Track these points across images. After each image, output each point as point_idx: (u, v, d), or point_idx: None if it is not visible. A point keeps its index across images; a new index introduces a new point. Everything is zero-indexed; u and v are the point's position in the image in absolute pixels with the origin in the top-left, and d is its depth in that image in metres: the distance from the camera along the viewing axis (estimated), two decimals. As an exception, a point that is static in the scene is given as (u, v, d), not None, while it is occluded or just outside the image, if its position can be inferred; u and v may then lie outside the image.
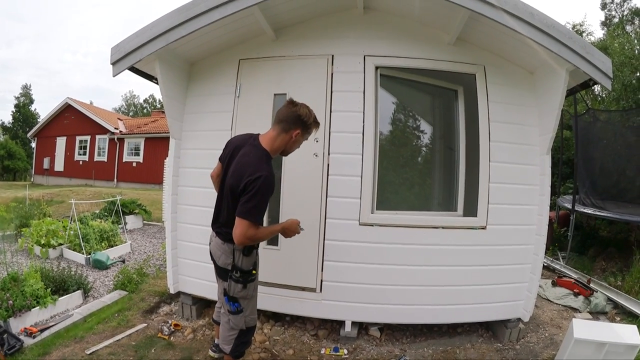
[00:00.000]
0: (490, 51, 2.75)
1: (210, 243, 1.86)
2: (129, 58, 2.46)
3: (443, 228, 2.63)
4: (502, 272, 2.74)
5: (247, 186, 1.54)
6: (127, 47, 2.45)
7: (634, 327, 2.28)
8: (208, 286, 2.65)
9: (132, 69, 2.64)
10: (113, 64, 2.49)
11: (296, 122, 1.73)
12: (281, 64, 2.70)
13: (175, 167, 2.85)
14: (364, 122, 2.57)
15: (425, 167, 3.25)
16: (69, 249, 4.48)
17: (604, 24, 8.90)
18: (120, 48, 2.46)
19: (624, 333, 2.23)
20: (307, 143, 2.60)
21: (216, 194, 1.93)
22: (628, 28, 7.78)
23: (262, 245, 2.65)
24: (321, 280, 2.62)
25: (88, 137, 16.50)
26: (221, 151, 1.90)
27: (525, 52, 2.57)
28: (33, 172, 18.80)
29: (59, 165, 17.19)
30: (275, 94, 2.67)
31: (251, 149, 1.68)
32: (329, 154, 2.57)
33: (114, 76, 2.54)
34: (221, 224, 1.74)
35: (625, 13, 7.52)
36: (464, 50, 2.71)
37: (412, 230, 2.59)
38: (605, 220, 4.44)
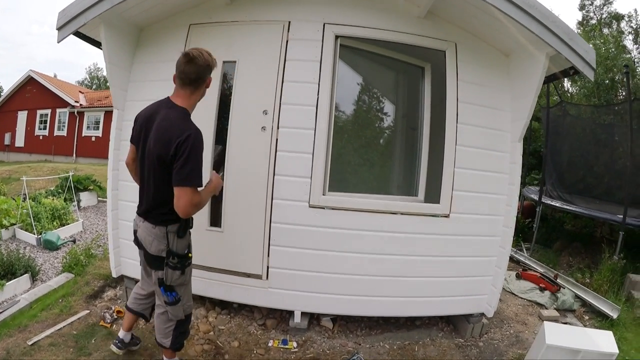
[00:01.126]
0: (463, 28, 2.49)
1: (136, 230, 1.61)
2: (74, 22, 2.18)
3: (402, 214, 2.35)
4: (465, 264, 2.50)
5: (179, 149, 1.38)
6: (72, 10, 2.17)
7: (609, 333, 2.08)
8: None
9: (78, 34, 2.37)
10: (58, 29, 2.21)
11: (206, 72, 1.54)
12: (233, 29, 2.40)
13: (117, 140, 2.54)
14: (318, 94, 2.27)
15: (385, 148, 2.97)
16: (21, 229, 4.16)
17: (580, 23, 8.73)
18: (67, 12, 2.18)
19: (599, 340, 2.04)
20: (255, 117, 2.33)
21: None
22: (605, 31, 7.62)
23: (204, 227, 2.35)
24: (267, 267, 2.34)
25: (49, 111, 15.37)
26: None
27: (502, 32, 2.33)
28: (-6, 148, 17.73)
29: (20, 141, 16.03)
30: (224, 61, 2.36)
31: (169, 111, 1.49)
32: (278, 128, 2.28)
33: (58, 42, 2.27)
34: (150, 206, 1.53)
35: (604, 16, 7.34)
36: (434, 25, 2.44)
37: (368, 215, 2.31)
38: (570, 214, 4.24)
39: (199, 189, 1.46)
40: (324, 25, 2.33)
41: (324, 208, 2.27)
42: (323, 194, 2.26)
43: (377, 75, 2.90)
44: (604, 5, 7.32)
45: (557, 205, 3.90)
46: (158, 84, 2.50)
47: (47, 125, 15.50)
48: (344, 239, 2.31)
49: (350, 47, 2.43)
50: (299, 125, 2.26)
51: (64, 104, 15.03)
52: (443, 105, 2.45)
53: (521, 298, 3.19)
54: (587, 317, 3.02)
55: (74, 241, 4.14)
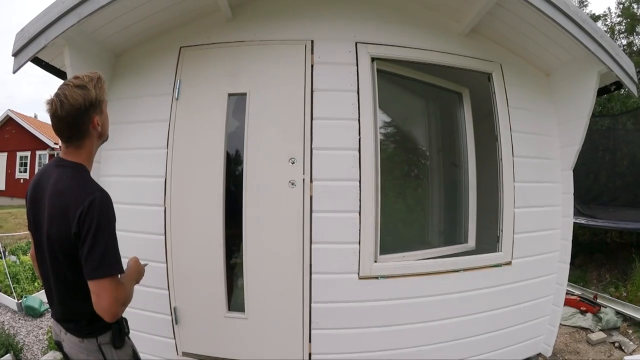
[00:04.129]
0: (506, 47, 2.05)
1: (59, 342, 1.08)
2: (33, 45, 1.50)
3: (464, 270, 1.81)
4: (524, 310, 2.08)
5: (82, 223, 0.91)
6: (32, 29, 1.49)
7: None
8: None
9: (39, 62, 1.69)
10: (15, 54, 1.52)
11: (83, 115, 0.96)
12: (239, 52, 1.72)
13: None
14: (360, 134, 1.65)
15: (422, 190, 2.39)
16: (0, 290, 3.49)
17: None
18: (25, 33, 1.50)
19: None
20: (279, 167, 1.65)
21: None
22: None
23: (222, 313, 1.65)
24: (310, 354, 1.68)
25: (28, 153, 13.94)
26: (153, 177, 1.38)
27: (548, 49, 1.94)
28: (-26, 192, 15.52)
29: (1, 184, 14.35)
30: (229, 94, 1.69)
31: (61, 171, 1.00)
32: (311, 182, 1.63)
33: (14, 72, 1.57)
34: (65, 313, 1.03)
35: None
36: (477, 44, 1.97)
37: (427, 278, 1.76)
38: (576, 225, 4.04)
39: (120, 276, 0.97)
40: (356, 45, 1.73)
41: (377, 278, 1.66)
42: (375, 261, 1.65)
43: (407, 103, 2.33)
44: (580, 8, 7.35)
45: (582, 222, 3.63)
46: (139, 127, 1.76)
47: (28, 168, 13.89)
48: (400, 310, 1.73)
49: (382, 71, 1.84)
50: (338, 176, 1.63)
51: (44, 145, 13.52)
52: (485, 136, 1.97)
53: (565, 325, 2.84)
54: (631, 331, 2.79)
55: None
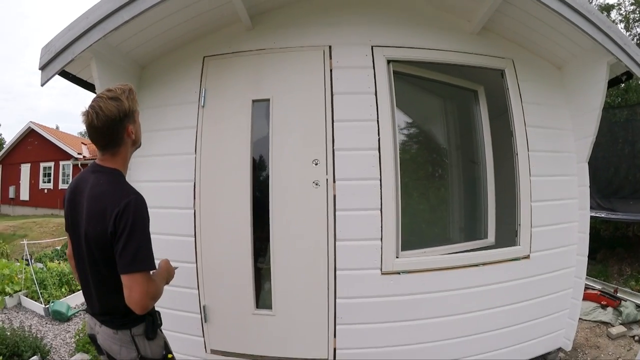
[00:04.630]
0: (517, 43, 2.08)
1: (94, 334, 1.15)
2: (60, 59, 1.57)
3: (484, 265, 1.85)
4: (544, 303, 2.09)
5: (118, 222, 0.98)
6: (57, 44, 1.56)
7: None
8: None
9: (67, 75, 1.77)
10: (41, 68, 1.58)
11: (117, 125, 1.05)
12: (260, 60, 1.80)
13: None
14: (379, 134, 1.72)
15: (443, 188, 2.44)
16: (27, 296, 3.60)
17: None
18: (51, 47, 1.57)
19: None
20: (303, 169, 1.72)
21: None
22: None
23: (250, 311, 1.72)
24: (334, 349, 1.74)
25: (52, 164, 14.20)
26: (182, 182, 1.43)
27: (558, 43, 1.98)
28: (-1, 202, 15.99)
29: (25, 194, 14.69)
30: (253, 100, 1.77)
31: (98, 176, 1.08)
32: (334, 182, 1.70)
33: (42, 84, 1.64)
34: (102, 307, 1.11)
35: None
36: (489, 42, 2.00)
37: (447, 273, 1.80)
38: (598, 219, 3.97)
39: (152, 272, 1.03)
40: (372, 49, 1.79)
41: (399, 273, 1.71)
42: (397, 257, 1.70)
43: (424, 103, 2.39)
44: None
45: (602, 215, 3.60)
46: (168, 134, 1.85)
47: (52, 178, 14.23)
48: (421, 305, 1.78)
49: (398, 72, 1.90)
50: (360, 175, 1.70)
51: (67, 156, 13.85)
52: (501, 132, 2.00)
53: (586, 320, 2.83)
54: None
55: (87, 310, 3.36)
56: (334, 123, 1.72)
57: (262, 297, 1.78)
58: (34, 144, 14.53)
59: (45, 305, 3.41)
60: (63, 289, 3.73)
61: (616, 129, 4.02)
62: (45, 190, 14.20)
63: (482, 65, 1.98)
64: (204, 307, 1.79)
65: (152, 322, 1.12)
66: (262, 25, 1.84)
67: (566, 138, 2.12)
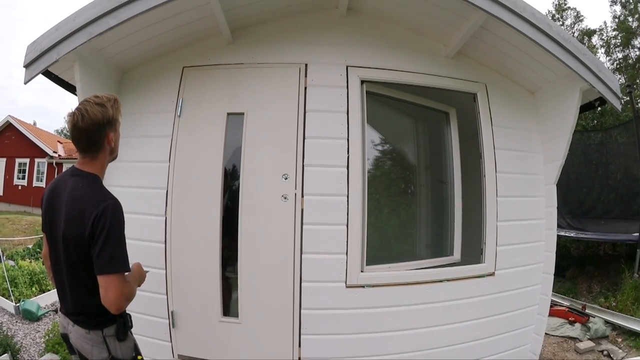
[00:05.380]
0: (491, 67, 2.16)
1: (67, 333, 1.18)
2: (44, 58, 1.60)
3: (448, 281, 1.91)
4: (509, 319, 2.16)
5: (96, 225, 1.04)
6: (44, 43, 1.59)
7: None
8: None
9: (49, 75, 1.79)
10: (26, 66, 1.62)
11: (99, 130, 1.11)
12: (238, 74, 1.86)
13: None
14: (348, 152, 1.78)
15: (411, 206, 2.50)
16: None
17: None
18: (37, 46, 1.60)
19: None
20: (273, 182, 1.78)
21: None
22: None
23: (217, 318, 1.76)
24: (299, 358, 1.78)
25: (27, 160, 14.03)
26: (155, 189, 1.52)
27: (532, 69, 2.06)
28: (-28, 197, 15.66)
29: None
30: (228, 113, 1.82)
31: (77, 179, 1.13)
32: (302, 196, 1.76)
33: (25, 82, 1.67)
34: (76, 307, 1.15)
35: (575, 34, 7.48)
36: (463, 66, 2.08)
37: (412, 288, 1.86)
38: (568, 238, 4.09)
39: (126, 273, 1.10)
40: (347, 68, 1.86)
41: (363, 287, 1.77)
42: (362, 271, 1.76)
43: (396, 123, 2.45)
44: (575, 23, 7.42)
45: (572, 235, 3.71)
46: (143, 141, 1.90)
47: (26, 175, 14.03)
48: (386, 319, 1.83)
49: (371, 92, 1.97)
50: (328, 191, 1.76)
51: (43, 153, 13.66)
52: (471, 153, 2.08)
53: (553, 335, 2.93)
54: (620, 340, 2.88)
55: (56, 310, 3.52)
56: (305, 139, 1.77)
57: (230, 305, 1.82)
58: (11, 139, 14.29)
59: (15, 303, 3.40)
60: (34, 288, 3.73)
61: (590, 151, 4.16)
62: (20, 187, 14.01)
63: (455, 89, 2.06)
64: (172, 312, 1.83)
65: (123, 324, 1.16)
66: (242, 39, 1.90)
67: (535, 160, 2.21)
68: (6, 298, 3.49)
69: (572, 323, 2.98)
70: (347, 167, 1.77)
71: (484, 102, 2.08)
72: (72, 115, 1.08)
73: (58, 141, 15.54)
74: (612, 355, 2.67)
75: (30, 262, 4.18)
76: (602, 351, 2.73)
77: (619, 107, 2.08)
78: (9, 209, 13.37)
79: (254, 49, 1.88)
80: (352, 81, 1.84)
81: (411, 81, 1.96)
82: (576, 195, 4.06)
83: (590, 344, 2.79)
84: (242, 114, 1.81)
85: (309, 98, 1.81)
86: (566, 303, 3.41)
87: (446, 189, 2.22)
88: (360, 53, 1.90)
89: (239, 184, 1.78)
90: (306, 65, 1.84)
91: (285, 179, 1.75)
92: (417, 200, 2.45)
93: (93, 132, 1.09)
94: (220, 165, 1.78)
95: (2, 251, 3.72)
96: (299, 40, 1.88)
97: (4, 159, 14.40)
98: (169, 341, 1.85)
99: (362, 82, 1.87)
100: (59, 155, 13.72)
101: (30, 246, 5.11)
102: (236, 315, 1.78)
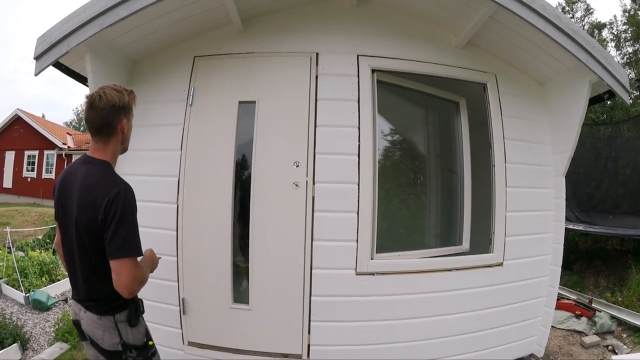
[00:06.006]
0: (501, 59, 2.17)
1: (79, 320, 1.20)
2: (55, 50, 1.63)
3: (456, 270, 1.93)
4: (516, 310, 2.18)
5: (108, 211, 1.05)
6: (53, 35, 1.62)
7: None
8: None
9: (60, 66, 1.83)
10: (36, 58, 1.65)
11: (114, 114, 1.14)
12: (249, 63, 1.87)
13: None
14: (359, 140, 1.80)
15: (421, 195, 2.52)
16: (7, 284, 3.69)
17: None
18: (47, 37, 1.62)
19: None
20: (285, 170, 1.80)
21: None
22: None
23: (227, 305, 1.79)
24: (308, 345, 1.82)
25: (36, 152, 14.26)
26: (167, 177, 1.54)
27: (542, 60, 2.06)
28: (-19, 189, 15.92)
29: (8, 182, 14.67)
30: (240, 102, 1.84)
31: (89, 167, 1.14)
32: (313, 184, 1.78)
33: (36, 74, 1.71)
34: (88, 293, 1.16)
35: (586, 27, 7.39)
36: (473, 56, 2.09)
37: (420, 276, 1.88)
38: (576, 232, 4.08)
39: (139, 258, 1.12)
40: (357, 57, 1.88)
41: (373, 274, 1.79)
42: (371, 258, 1.78)
43: (406, 113, 2.47)
44: (585, 16, 7.34)
45: (580, 228, 3.71)
46: (155, 130, 1.93)
47: (35, 167, 14.25)
48: (395, 306, 1.86)
49: (382, 82, 1.99)
50: (339, 179, 1.78)
51: (52, 145, 13.87)
52: (481, 143, 2.09)
53: (559, 329, 2.94)
54: (625, 335, 2.87)
55: (66, 300, 3.57)
56: (317, 128, 1.79)
57: (240, 292, 1.85)
58: (19, 132, 14.52)
59: (25, 293, 3.45)
60: (43, 279, 3.76)
61: (599, 145, 4.14)
62: (29, 179, 14.22)
63: (465, 79, 2.07)
64: (183, 299, 1.86)
65: (135, 309, 1.18)
66: (253, 29, 1.92)
67: (544, 151, 2.22)
68: (16, 289, 3.56)
69: (578, 317, 2.98)
70: (358, 154, 1.79)
71: (494, 92, 2.09)
72: (90, 96, 1.12)
73: (67, 133, 15.76)
74: (616, 351, 2.68)
75: (40, 252, 4.23)
76: (607, 346, 2.73)
77: (627, 100, 2.09)
78: (19, 200, 13.58)
79: (265, 38, 1.90)
80: (363, 70, 1.85)
81: (421, 70, 1.97)
82: (585, 189, 4.05)
83: (596, 338, 2.79)
84: (254, 102, 1.82)
85: (320, 87, 1.82)
86: (573, 297, 3.41)
87: (455, 179, 2.24)
88: (371, 42, 1.91)
89: (250, 172, 1.81)
90: (317, 54, 1.86)
91: (297, 166, 1.77)
92: (426, 190, 2.47)
93: (108, 113, 1.12)
94: (232, 153, 1.80)
95: (12, 242, 3.79)
96: (310, 30, 1.89)
97: (13, 152, 14.65)
98: (179, 328, 1.89)
99: (373, 71, 1.88)
100: (69, 147, 13.92)
101: (40, 237, 5.18)
102: (246, 302, 1.81)
